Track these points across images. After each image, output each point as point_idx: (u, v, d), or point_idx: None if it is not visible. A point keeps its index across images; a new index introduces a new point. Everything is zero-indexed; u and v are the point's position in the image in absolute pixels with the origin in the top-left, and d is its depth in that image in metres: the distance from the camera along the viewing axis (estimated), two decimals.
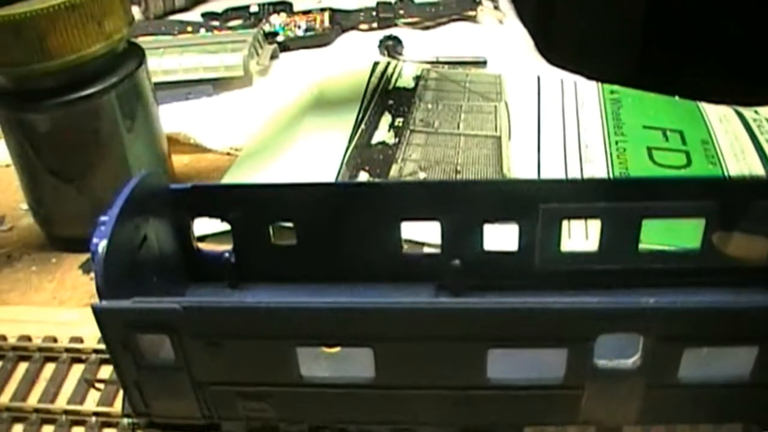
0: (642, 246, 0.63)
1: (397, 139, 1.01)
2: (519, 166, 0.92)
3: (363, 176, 0.92)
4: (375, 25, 1.30)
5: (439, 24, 1.31)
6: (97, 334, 0.54)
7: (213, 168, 1.04)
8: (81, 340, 0.72)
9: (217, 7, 1.42)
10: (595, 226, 0.63)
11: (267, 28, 1.30)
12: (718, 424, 0.55)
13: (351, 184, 0.64)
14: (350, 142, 1.00)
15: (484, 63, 1.18)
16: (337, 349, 0.57)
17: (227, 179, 0.97)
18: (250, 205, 0.63)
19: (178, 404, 0.57)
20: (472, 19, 1.32)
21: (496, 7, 1.33)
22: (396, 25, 1.30)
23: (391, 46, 1.22)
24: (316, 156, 0.97)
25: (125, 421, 0.65)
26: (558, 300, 0.49)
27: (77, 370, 0.71)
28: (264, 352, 0.53)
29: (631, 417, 0.55)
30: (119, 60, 0.85)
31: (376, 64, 1.15)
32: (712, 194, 0.60)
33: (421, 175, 0.90)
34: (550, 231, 0.62)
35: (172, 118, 1.03)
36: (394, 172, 0.92)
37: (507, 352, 0.52)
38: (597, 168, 0.89)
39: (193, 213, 0.64)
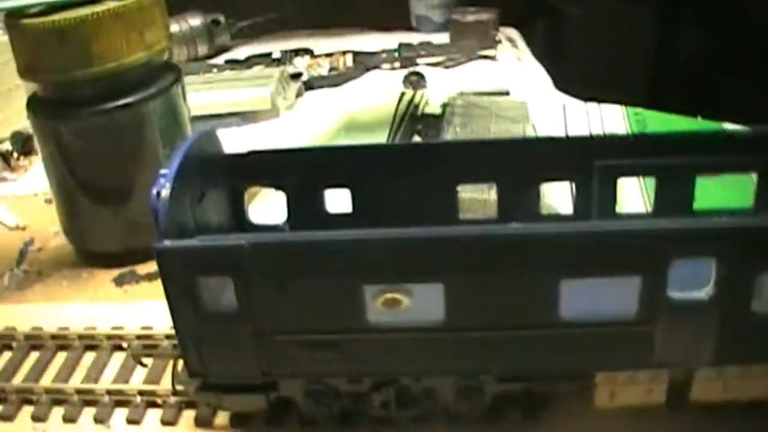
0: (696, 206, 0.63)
1: None
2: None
3: None
4: (397, 64, 1.33)
5: (460, 63, 1.34)
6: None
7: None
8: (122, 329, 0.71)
9: (240, 54, 1.45)
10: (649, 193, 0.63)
11: (291, 69, 1.33)
12: None
13: (407, 145, 0.64)
14: None
15: (507, 93, 1.20)
16: (403, 300, 0.56)
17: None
18: (305, 170, 0.63)
19: (236, 360, 0.55)
20: (491, 58, 1.35)
21: (514, 46, 1.37)
22: (417, 64, 1.33)
23: (416, 81, 1.25)
24: None
25: (172, 399, 0.63)
26: (633, 222, 0.49)
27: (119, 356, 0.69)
28: (331, 292, 0.52)
29: (705, 357, 0.53)
30: (158, 72, 0.87)
31: (403, 93, 1.18)
32: (765, 148, 0.60)
33: None
34: (606, 190, 0.62)
35: None
36: None
37: (578, 290, 0.51)
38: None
39: (247, 181, 0.64)
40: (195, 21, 1.42)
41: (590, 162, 0.61)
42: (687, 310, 0.51)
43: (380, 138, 1.07)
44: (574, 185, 0.62)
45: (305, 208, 0.64)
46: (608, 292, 0.52)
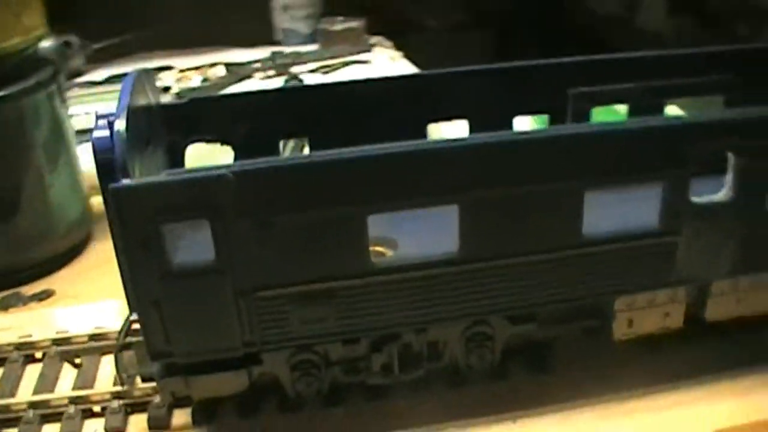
0: None
1: None
2: None
3: None
4: (271, 72, 1.27)
5: (336, 68, 1.29)
6: None
7: None
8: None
9: (97, 77, 1.33)
10: None
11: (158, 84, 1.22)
12: None
13: (372, 81, 0.57)
14: None
15: None
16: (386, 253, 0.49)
17: None
18: (254, 119, 0.55)
19: (213, 328, 0.46)
20: (366, 62, 1.32)
21: (386, 49, 1.35)
22: (292, 72, 1.27)
23: (297, 85, 1.19)
24: None
25: (115, 403, 0.52)
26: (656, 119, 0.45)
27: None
28: (329, 227, 0.44)
29: (724, 268, 0.50)
30: (36, 63, 0.76)
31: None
32: (733, 66, 0.59)
33: None
34: (581, 121, 0.58)
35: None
36: None
37: (601, 203, 0.47)
38: None
39: (189, 136, 0.54)
40: (45, 43, 1.28)
41: (563, 91, 0.57)
42: (709, 214, 0.48)
43: None
44: (548, 117, 0.58)
45: None
46: (630, 205, 0.48)
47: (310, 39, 1.43)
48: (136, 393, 0.53)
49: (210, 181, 0.42)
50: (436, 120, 0.57)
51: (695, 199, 0.48)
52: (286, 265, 0.45)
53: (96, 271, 0.75)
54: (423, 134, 0.57)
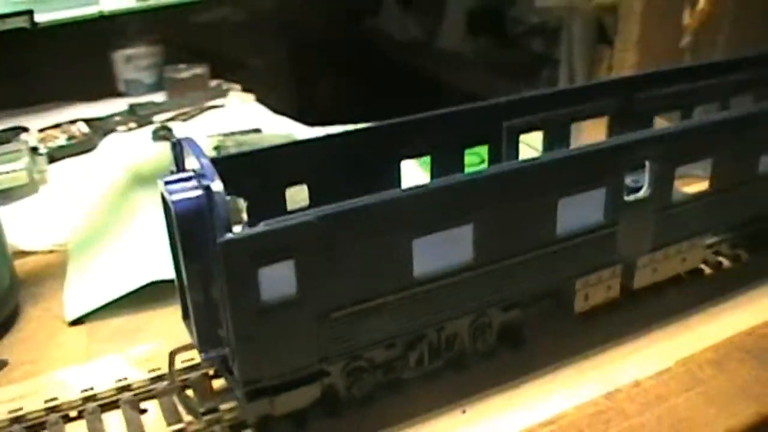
0: None
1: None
2: None
3: None
4: (133, 125, 1.30)
5: (193, 115, 1.35)
6: None
7: (44, 266, 0.95)
8: None
9: None
10: None
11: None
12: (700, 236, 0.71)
13: (357, 131, 0.67)
14: None
15: (260, 131, 1.26)
16: None
17: (71, 271, 0.90)
18: (264, 172, 0.63)
19: (295, 350, 0.54)
20: (221, 106, 1.39)
21: (243, 90, 1.43)
22: (153, 121, 1.31)
23: (167, 134, 1.24)
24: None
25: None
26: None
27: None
28: (384, 252, 0.55)
29: (647, 245, 0.67)
30: None
31: (173, 143, 1.16)
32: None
33: None
34: (512, 147, 0.73)
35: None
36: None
37: (566, 207, 0.61)
38: None
39: None
40: None
41: (500, 124, 0.72)
42: (636, 208, 0.65)
43: None
44: (488, 146, 0.72)
45: (266, 210, 0.64)
46: (583, 207, 0.63)
47: (155, 88, 1.47)
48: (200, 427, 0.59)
49: (297, 227, 0.51)
50: (408, 157, 0.69)
51: (627, 198, 0.64)
52: (352, 289, 0.55)
53: (42, 336, 0.78)
54: (399, 170, 0.69)
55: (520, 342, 0.67)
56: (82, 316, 0.81)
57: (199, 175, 0.54)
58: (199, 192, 0.53)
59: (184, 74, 1.43)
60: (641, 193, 0.65)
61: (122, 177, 1.08)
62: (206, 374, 0.63)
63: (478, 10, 2.00)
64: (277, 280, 0.53)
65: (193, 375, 0.63)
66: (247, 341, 0.52)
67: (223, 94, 1.41)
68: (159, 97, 1.44)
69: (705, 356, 0.63)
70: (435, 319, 0.59)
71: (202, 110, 1.37)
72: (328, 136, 0.65)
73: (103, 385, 0.65)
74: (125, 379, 0.66)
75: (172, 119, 1.33)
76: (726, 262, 0.78)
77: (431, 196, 0.55)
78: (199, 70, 1.45)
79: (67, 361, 0.72)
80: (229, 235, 0.50)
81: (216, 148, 1.17)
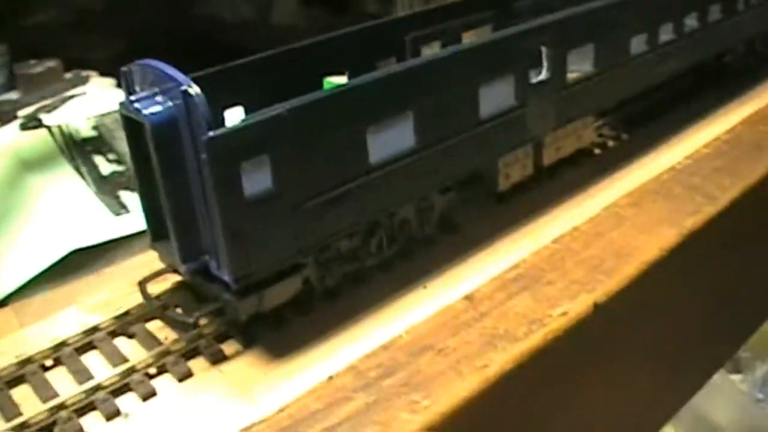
0: None
1: (124, 167, 1.05)
2: None
3: (124, 193, 0.96)
4: None
5: (56, 106, 1.32)
6: None
7: None
8: None
9: None
10: None
11: None
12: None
13: (283, 51, 0.71)
14: (87, 182, 1.01)
15: None
16: None
17: None
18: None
19: (277, 242, 0.58)
20: (83, 94, 1.37)
21: (102, 74, 1.41)
22: (18, 116, 1.27)
23: (37, 123, 1.21)
24: (70, 200, 0.96)
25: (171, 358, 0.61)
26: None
27: None
28: (345, 142, 0.60)
29: (551, 123, 0.76)
30: None
31: (48, 128, 1.15)
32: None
33: None
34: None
35: None
36: None
37: (484, 93, 0.69)
38: None
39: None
40: None
41: (401, 38, 0.78)
42: (540, 89, 0.73)
43: (65, 167, 1.05)
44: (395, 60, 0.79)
45: None
46: (497, 92, 0.71)
47: (7, 87, 1.41)
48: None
49: (274, 120, 0.55)
50: (329, 74, 0.74)
51: (532, 81, 0.73)
52: (319, 178, 0.59)
53: None
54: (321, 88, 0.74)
55: (456, 226, 0.74)
56: (4, 297, 0.80)
57: (162, 92, 0.56)
58: (169, 104, 0.55)
59: (38, 69, 1.39)
60: (542, 76, 0.74)
61: (4, 164, 1.05)
62: (186, 292, 0.65)
63: None
64: (255, 177, 0.56)
65: (168, 297, 0.65)
66: (236, 237, 0.55)
67: (83, 81, 1.38)
68: (14, 95, 1.39)
69: (624, 201, 0.73)
70: (388, 203, 0.65)
71: (65, 100, 1.34)
72: (261, 58, 0.69)
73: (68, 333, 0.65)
74: (89, 325, 0.66)
75: (36, 112, 1.29)
76: (610, 143, 0.89)
77: (380, 84, 0.61)
78: (51, 63, 1.41)
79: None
80: (213, 132, 0.53)
81: (95, 127, 1.16)
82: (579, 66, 0.79)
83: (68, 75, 1.43)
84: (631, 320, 0.64)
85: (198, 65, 0.63)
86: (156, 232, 0.62)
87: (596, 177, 0.82)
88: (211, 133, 0.52)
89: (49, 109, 1.31)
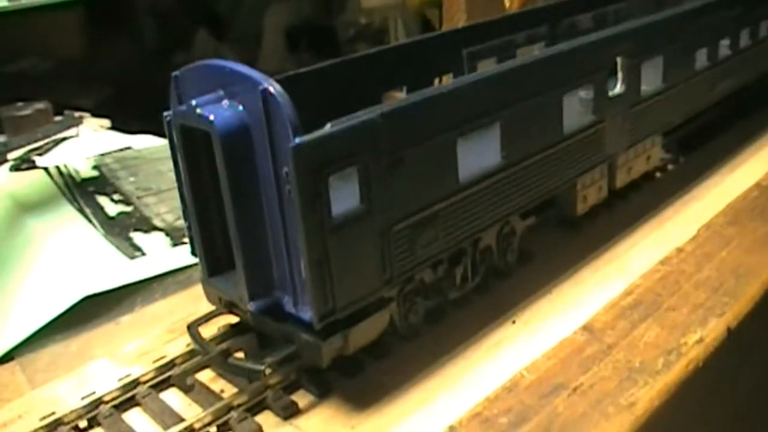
0: None
1: (132, 207, 0.96)
2: None
3: (136, 235, 0.88)
4: None
5: (48, 149, 1.23)
6: None
7: None
8: None
9: None
10: None
11: None
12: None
13: (340, 62, 0.63)
14: (94, 224, 0.92)
15: (130, 148, 1.18)
16: None
17: None
18: None
19: (362, 274, 0.50)
20: (74, 136, 1.28)
21: (96, 116, 1.33)
22: (7, 159, 1.18)
23: (30, 165, 1.12)
24: (77, 244, 0.87)
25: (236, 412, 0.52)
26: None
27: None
28: (432, 153, 0.52)
29: (626, 141, 0.70)
30: None
31: (46, 168, 1.06)
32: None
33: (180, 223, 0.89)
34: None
35: None
36: (157, 222, 0.91)
37: (567, 105, 0.62)
38: None
39: None
40: None
41: (459, 51, 0.72)
42: (617, 103, 0.67)
43: (66, 209, 0.96)
44: (452, 75, 0.72)
45: None
46: (577, 106, 0.64)
47: None
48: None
49: (365, 125, 0.47)
50: (389, 89, 0.67)
51: (610, 94, 0.66)
52: (410, 196, 0.51)
53: None
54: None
55: (531, 254, 0.66)
56: (8, 351, 0.70)
57: (230, 94, 0.48)
58: (239, 108, 0.47)
59: (25, 111, 1.31)
60: (618, 89, 0.67)
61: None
62: (252, 334, 0.55)
63: (296, 27, 2.00)
64: (342, 193, 0.48)
65: (225, 342, 0.55)
66: (319, 267, 0.47)
67: (76, 122, 1.30)
68: (1, 138, 1.30)
69: (721, 220, 0.67)
70: (476, 226, 0.57)
71: (57, 142, 1.25)
72: (316, 69, 0.61)
73: (103, 389, 0.56)
74: (128, 375, 0.57)
75: (27, 154, 1.20)
76: (670, 166, 0.83)
77: (470, 90, 0.54)
78: (40, 105, 1.32)
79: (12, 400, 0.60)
80: (299, 139, 0.45)
81: (96, 167, 1.08)
82: (644, 84, 0.73)
83: (59, 117, 1.35)
84: (759, 342, 0.57)
85: None
86: (214, 266, 0.53)
87: (665, 199, 0.76)
88: (297, 140, 0.44)
89: (41, 151, 1.23)
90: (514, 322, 0.59)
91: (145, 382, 0.56)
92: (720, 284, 0.57)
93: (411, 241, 0.52)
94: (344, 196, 0.48)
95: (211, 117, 0.47)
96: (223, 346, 0.54)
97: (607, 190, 0.70)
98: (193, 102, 0.48)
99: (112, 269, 0.81)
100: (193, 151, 0.50)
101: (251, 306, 0.51)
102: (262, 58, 2.04)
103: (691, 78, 0.76)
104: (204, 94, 0.49)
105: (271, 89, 0.46)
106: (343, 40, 1.85)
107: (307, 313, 0.49)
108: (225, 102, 0.48)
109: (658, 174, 0.81)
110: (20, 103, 1.32)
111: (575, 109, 0.64)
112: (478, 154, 0.56)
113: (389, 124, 0.49)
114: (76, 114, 1.33)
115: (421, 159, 0.51)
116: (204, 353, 0.54)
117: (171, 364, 0.58)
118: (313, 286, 0.47)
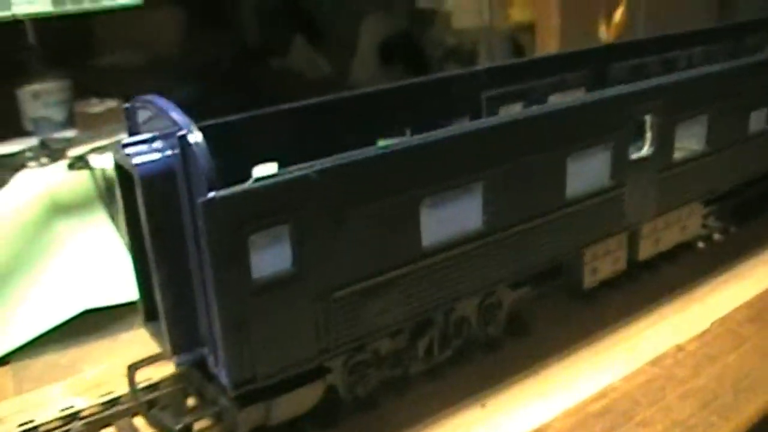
0: None
1: None
2: None
3: None
4: (45, 160, 1.18)
5: (107, 149, 1.25)
6: None
7: None
8: None
9: None
10: None
11: None
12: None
13: (330, 100, 0.59)
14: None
15: None
16: None
17: None
18: (232, 147, 0.55)
19: (292, 339, 0.45)
20: None
21: None
22: (67, 157, 1.20)
23: (83, 165, 1.13)
24: (95, 252, 0.86)
25: None
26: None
27: None
28: (390, 216, 0.47)
29: (653, 209, 0.62)
30: None
31: (92, 170, 1.06)
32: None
33: None
34: None
35: None
36: None
37: (573, 167, 0.55)
38: None
39: None
40: None
41: (478, 95, 0.66)
42: (642, 167, 0.59)
43: (99, 213, 0.95)
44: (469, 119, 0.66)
45: None
46: (590, 168, 0.57)
47: (65, 125, 1.35)
48: None
49: (297, 182, 0.43)
50: (385, 134, 0.62)
51: (632, 156, 0.59)
52: (355, 260, 0.46)
53: None
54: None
55: (527, 328, 0.60)
56: (5, 354, 0.69)
57: (163, 136, 0.45)
58: (167, 152, 0.44)
59: (97, 108, 1.33)
60: (644, 151, 0.60)
61: (38, 206, 0.97)
62: (180, 387, 0.52)
63: (390, 40, 1.97)
64: (269, 252, 0.44)
65: (161, 391, 0.52)
66: (236, 330, 0.43)
67: None
68: (71, 133, 1.33)
69: (741, 314, 0.58)
70: (445, 297, 0.51)
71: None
72: (300, 107, 0.57)
73: (44, 417, 0.54)
74: (71, 407, 0.55)
75: (86, 153, 1.22)
76: (716, 235, 0.73)
77: (439, 147, 0.48)
78: (112, 103, 1.34)
79: None
80: (214, 194, 0.41)
81: None
82: (685, 142, 0.65)
83: None
84: None
85: None
86: (150, 310, 0.50)
87: (702, 277, 0.67)
88: (211, 194, 0.40)
89: (102, 151, 1.24)
90: (483, 405, 0.53)
91: (82, 418, 0.54)
92: (714, 398, 0.48)
93: (357, 308, 0.47)
94: (273, 257, 0.44)
95: (135, 159, 0.44)
96: (152, 395, 0.51)
97: (626, 262, 0.63)
98: (123, 141, 0.45)
99: (121, 283, 0.80)
100: (129, 191, 0.47)
101: (175, 359, 0.47)
102: (354, 67, 2.02)
103: (744, 141, 0.67)
104: (153, 130, 0.47)
105: (189, 136, 0.42)
106: (434, 59, 1.80)
107: (224, 378, 0.45)
108: (157, 143, 0.45)
109: (700, 244, 0.72)
110: (94, 99, 1.35)
111: (586, 170, 0.57)
112: (452, 219, 0.50)
113: (330, 180, 0.44)
114: None
115: (371, 220, 0.46)
116: (134, 400, 0.51)
117: (114, 402, 0.55)
118: (227, 351, 0.43)
